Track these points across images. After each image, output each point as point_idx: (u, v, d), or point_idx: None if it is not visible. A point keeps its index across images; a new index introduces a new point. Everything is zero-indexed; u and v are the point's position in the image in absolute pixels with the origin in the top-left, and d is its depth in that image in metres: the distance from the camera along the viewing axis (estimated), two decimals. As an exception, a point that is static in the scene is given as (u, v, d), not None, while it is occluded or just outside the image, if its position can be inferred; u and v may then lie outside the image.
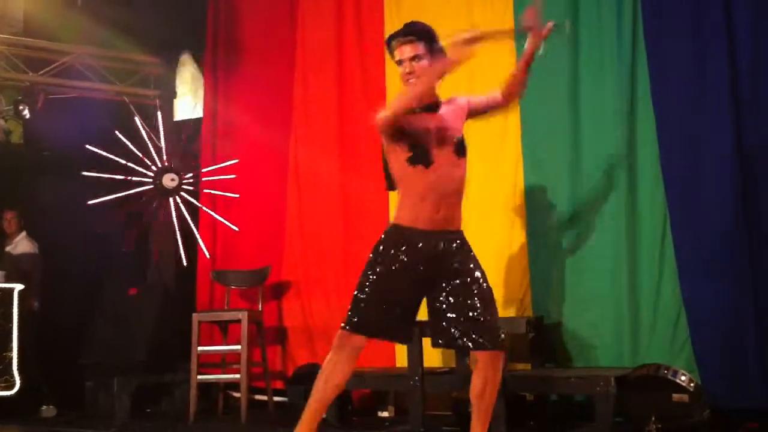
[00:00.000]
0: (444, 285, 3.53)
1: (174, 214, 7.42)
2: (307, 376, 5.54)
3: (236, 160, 7.24)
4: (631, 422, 4.69)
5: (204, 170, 7.48)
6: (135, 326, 7.03)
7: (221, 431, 6.12)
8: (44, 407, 6.88)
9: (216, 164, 7.38)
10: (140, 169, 7.37)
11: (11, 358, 6.70)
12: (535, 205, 5.78)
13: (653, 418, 4.51)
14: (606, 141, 5.56)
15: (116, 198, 7.25)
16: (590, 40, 5.68)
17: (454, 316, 3.50)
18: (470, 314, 3.47)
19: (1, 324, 6.70)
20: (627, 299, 5.35)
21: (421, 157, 3.53)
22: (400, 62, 3.62)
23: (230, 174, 7.27)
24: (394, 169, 3.62)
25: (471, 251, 3.61)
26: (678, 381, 4.56)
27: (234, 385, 6.60)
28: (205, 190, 7.48)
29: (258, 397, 6.71)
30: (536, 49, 3.53)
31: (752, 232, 5.02)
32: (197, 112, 7.83)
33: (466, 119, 3.72)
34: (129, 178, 7.31)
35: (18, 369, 6.71)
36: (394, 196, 3.95)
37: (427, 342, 5.16)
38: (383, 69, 6.46)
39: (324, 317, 6.54)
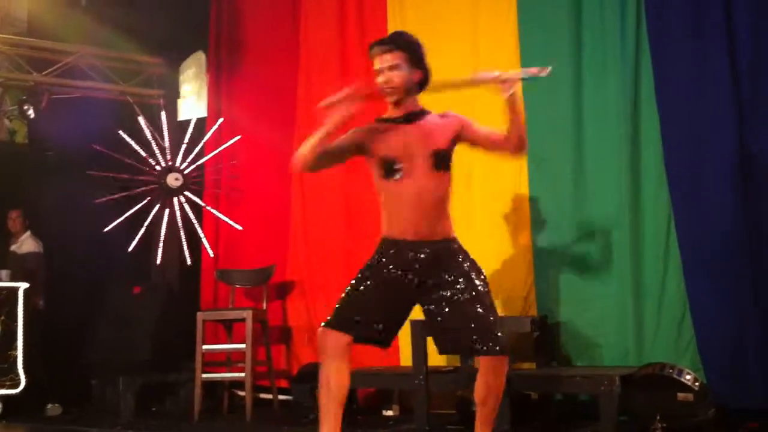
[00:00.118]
0: (435, 294, 3.50)
1: (178, 213, 7.45)
2: (311, 374, 5.55)
3: (240, 160, 7.26)
4: (636, 421, 4.70)
5: (208, 169, 7.50)
6: (139, 325, 7.06)
7: (226, 430, 6.13)
8: (49, 406, 6.89)
9: (220, 164, 7.40)
10: (144, 169, 7.40)
11: (16, 357, 6.72)
12: (538, 204, 5.79)
13: (658, 417, 4.52)
14: (609, 141, 5.56)
15: (120, 197, 7.27)
16: (593, 41, 5.69)
17: (449, 325, 3.48)
18: (464, 322, 3.44)
19: (7, 323, 6.72)
20: (631, 298, 5.36)
21: (390, 170, 3.53)
22: (379, 71, 3.56)
23: (234, 173, 7.29)
24: (374, 181, 3.64)
25: (462, 258, 3.55)
26: (683, 380, 4.56)
27: (238, 384, 6.62)
28: (209, 190, 7.50)
29: (262, 395, 6.73)
30: (509, 96, 3.47)
31: (755, 231, 5.03)
32: (201, 112, 7.84)
33: (458, 139, 3.61)
34: (133, 177, 7.34)
35: (23, 367, 6.73)
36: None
37: (431, 341, 5.21)
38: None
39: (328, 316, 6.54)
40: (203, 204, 7.48)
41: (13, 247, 7.45)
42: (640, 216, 5.42)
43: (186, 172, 7.45)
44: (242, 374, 6.27)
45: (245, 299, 7.01)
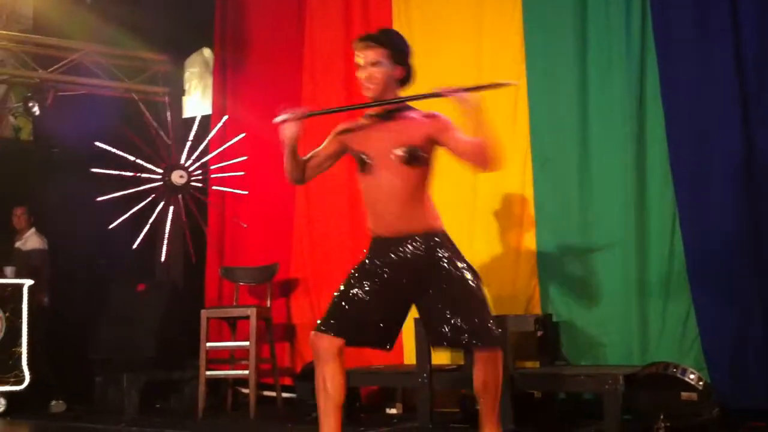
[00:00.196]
0: (425, 290, 3.50)
1: (183, 210, 7.45)
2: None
3: (245, 157, 7.27)
4: (640, 420, 4.69)
5: (212, 167, 7.51)
6: (144, 322, 7.07)
7: (230, 427, 6.14)
8: (54, 402, 6.91)
9: (224, 161, 7.40)
10: (149, 166, 7.40)
11: (21, 354, 6.75)
12: (543, 203, 5.78)
13: (662, 417, 4.51)
14: (614, 139, 5.55)
15: (125, 195, 7.28)
16: (598, 37, 5.67)
17: (439, 320, 3.48)
18: (454, 317, 3.44)
19: (11, 319, 6.74)
20: (636, 297, 5.34)
21: (362, 164, 3.56)
22: (360, 66, 3.57)
23: (239, 171, 7.30)
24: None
25: (449, 251, 3.53)
26: (687, 379, 4.55)
27: (243, 381, 6.63)
28: (214, 187, 7.50)
29: (266, 393, 6.73)
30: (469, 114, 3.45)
31: (760, 230, 5.02)
32: (206, 109, 7.85)
33: (436, 141, 3.55)
34: (138, 174, 7.34)
35: (28, 364, 6.76)
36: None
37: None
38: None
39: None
40: (208, 201, 7.48)
41: (17, 244, 7.47)
42: (645, 215, 5.41)
43: (191, 169, 7.46)
44: (246, 372, 6.28)
45: (249, 297, 7.02)
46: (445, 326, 3.47)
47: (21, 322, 6.77)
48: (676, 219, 5.25)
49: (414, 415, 5.38)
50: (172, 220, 7.43)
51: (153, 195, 7.40)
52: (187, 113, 8.11)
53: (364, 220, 6.43)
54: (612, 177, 5.54)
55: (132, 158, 7.30)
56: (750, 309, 4.95)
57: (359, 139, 3.61)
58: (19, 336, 6.75)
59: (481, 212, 5.99)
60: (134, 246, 7.31)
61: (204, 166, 7.51)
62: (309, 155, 3.71)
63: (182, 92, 8.13)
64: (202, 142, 7.50)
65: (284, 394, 6.59)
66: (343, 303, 3.52)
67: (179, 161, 7.47)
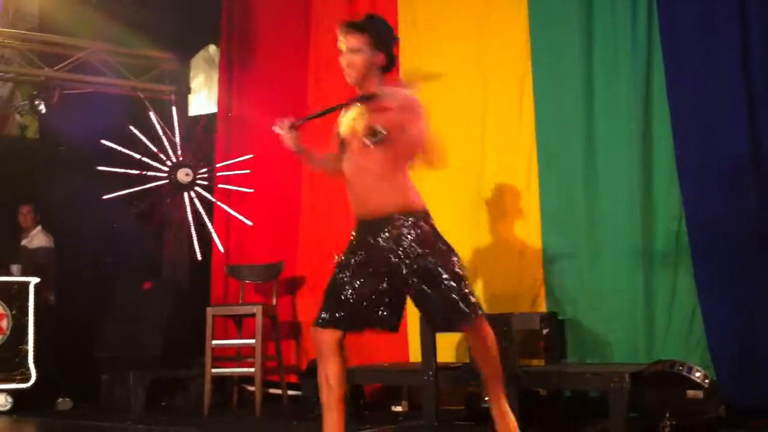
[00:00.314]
0: (403, 272, 3.47)
1: (188, 208, 7.46)
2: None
3: (251, 155, 7.27)
4: (646, 418, 4.66)
5: (218, 165, 7.52)
6: (150, 320, 7.08)
7: (236, 425, 6.14)
8: (60, 400, 6.92)
9: (230, 159, 7.41)
10: (155, 164, 7.41)
11: (27, 352, 6.76)
12: (549, 200, 5.76)
13: (668, 415, 4.48)
14: (620, 135, 5.53)
15: (131, 193, 7.29)
16: (604, 34, 5.65)
17: (421, 301, 3.49)
18: (434, 297, 3.44)
19: (18, 317, 6.76)
20: (642, 295, 5.32)
21: (342, 149, 3.61)
22: (342, 53, 3.61)
23: (244, 169, 7.30)
24: None
25: (421, 230, 3.48)
26: (693, 377, 4.53)
27: (248, 379, 6.64)
28: (220, 185, 7.51)
29: (272, 390, 6.73)
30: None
31: (766, 227, 5.00)
32: (212, 108, 7.86)
33: (398, 121, 3.47)
34: (144, 172, 7.35)
35: (34, 362, 6.77)
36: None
37: (440, 336, 5.22)
38: (397, 67, 6.44)
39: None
40: (213, 199, 7.49)
41: (24, 242, 7.49)
42: (651, 212, 5.39)
43: (196, 167, 7.46)
44: (252, 369, 6.28)
45: (255, 295, 7.02)
46: (426, 308, 3.50)
47: (27, 320, 6.78)
48: (682, 216, 5.23)
49: (419, 412, 5.38)
50: (177, 218, 7.44)
51: (159, 193, 7.41)
52: (193, 111, 8.12)
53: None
54: (618, 174, 5.52)
55: (138, 156, 7.30)
56: (756, 307, 4.93)
57: (342, 124, 3.65)
58: (26, 334, 6.77)
59: (485, 209, 5.97)
60: (140, 244, 7.32)
61: (210, 164, 7.52)
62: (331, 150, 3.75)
63: (188, 90, 8.15)
64: (207, 141, 7.51)
65: (290, 392, 6.59)
66: (333, 290, 3.54)
67: (185, 159, 7.47)
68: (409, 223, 3.49)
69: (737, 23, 5.10)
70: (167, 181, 7.40)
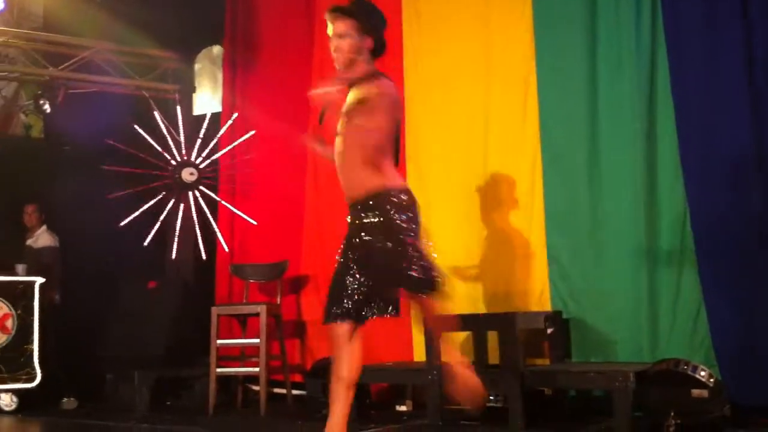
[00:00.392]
0: (368, 254, 3.51)
1: (193, 208, 7.47)
2: (325, 369, 5.53)
3: (254, 155, 7.27)
4: (650, 417, 4.67)
5: (222, 164, 7.52)
6: (154, 320, 7.08)
7: (240, 424, 6.14)
8: (65, 399, 6.94)
9: (235, 158, 7.41)
10: (159, 163, 7.42)
11: (32, 351, 6.76)
12: (553, 199, 5.76)
13: (672, 414, 4.49)
14: (624, 135, 5.53)
15: (136, 192, 7.30)
16: (608, 33, 5.65)
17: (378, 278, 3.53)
18: (383, 271, 3.48)
19: (23, 317, 6.76)
20: (646, 294, 5.33)
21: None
22: (330, 38, 3.62)
23: (248, 168, 7.30)
24: None
25: (373, 215, 3.52)
26: (697, 376, 4.53)
27: (253, 379, 6.64)
28: (224, 184, 7.51)
29: (277, 390, 6.75)
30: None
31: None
32: (216, 107, 7.86)
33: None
34: (148, 172, 7.36)
35: (39, 361, 6.77)
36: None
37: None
38: (401, 66, 6.45)
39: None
40: (218, 199, 7.50)
41: (29, 242, 7.50)
42: (655, 211, 5.39)
43: (201, 166, 7.47)
44: (256, 369, 6.29)
45: (259, 294, 7.03)
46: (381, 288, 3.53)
47: (32, 320, 6.79)
48: (687, 214, 5.22)
49: (424, 412, 5.38)
50: (182, 218, 7.44)
51: (163, 192, 7.41)
52: (197, 110, 8.13)
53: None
54: (622, 173, 5.52)
55: (142, 155, 7.31)
56: (761, 305, 4.93)
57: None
58: (31, 333, 6.77)
59: (490, 208, 5.97)
60: (145, 243, 7.32)
61: (214, 164, 7.53)
62: None
63: (192, 89, 8.15)
64: (212, 140, 7.51)
65: (294, 391, 6.60)
66: (335, 280, 3.57)
67: (189, 158, 7.48)
68: (372, 204, 3.53)
69: (740, 23, 5.10)
70: (172, 180, 7.40)
